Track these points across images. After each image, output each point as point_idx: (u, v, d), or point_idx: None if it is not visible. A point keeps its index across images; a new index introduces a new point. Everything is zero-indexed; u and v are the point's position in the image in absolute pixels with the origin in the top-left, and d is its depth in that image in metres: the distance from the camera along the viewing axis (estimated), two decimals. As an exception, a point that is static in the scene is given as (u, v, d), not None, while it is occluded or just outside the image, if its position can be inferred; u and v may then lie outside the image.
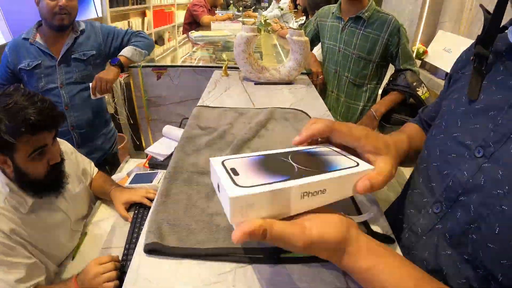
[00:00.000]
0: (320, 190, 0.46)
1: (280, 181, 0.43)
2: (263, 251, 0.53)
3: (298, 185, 0.43)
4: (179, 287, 0.48)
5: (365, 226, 0.60)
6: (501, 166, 0.48)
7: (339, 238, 0.44)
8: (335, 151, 0.56)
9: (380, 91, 2.08)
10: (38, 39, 1.80)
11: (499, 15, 0.57)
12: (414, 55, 3.40)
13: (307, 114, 1.03)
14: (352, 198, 0.67)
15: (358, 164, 0.51)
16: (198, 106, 1.04)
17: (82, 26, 1.90)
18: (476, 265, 0.49)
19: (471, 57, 0.62)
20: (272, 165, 0.48)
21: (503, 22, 0.58)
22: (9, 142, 1.09)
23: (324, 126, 0.55)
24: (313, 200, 0.46)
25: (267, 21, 1.31)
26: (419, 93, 1.84)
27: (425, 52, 3.37)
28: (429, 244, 0.57)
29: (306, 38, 1.33)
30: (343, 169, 0.48)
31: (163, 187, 0.66)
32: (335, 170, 0.47)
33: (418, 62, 3.38)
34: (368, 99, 2.02)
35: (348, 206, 0.64)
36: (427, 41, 3.51)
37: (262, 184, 0.42)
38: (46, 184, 1.23)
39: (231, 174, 0.44)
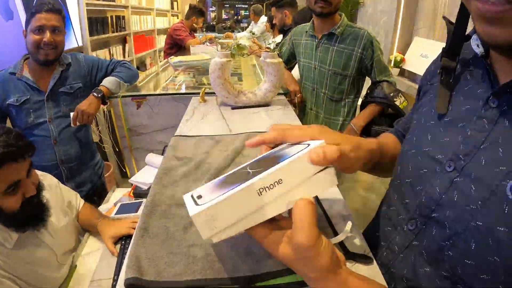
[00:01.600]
0: (276, 181, 0.46)
1: (234, 188, 0.45)
2: (237, 281, 0.54)
3: (250, 183, 0.45)
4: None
5: (342, 247, 0.60)
6: (473, 180, 0.48)
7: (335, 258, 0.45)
8: (292, 144, 0.54)
9: (359, 104, 2.12)
10: (25, 73, 1.79)
11: (462, 25, 0.57)
12: (392, 63, 3.49)
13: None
14: (327, 217, 0.68)
15: (309, 145, 0.49)
16: (175, 136, 1.06)
17: (68, 59, 1.91)
18: (456, 281, 0.49)
19: (438, 70, 0.62)
20: (231, 179, 0.50)
21: (468, 30, 0.58)
22: None
23: (276, 134, 0.54)
24: (275, 194, 0.46)
25: (240, 45, 1.34)
26: (397, 103, 1.87)
27: (402, 60, 3.45)
28: (407, 261, 0.57)
29: (279, 60, 1.36)
30: (293, 154, 0.48)
31: (141, 222, 0.67)
32: (286, 159, 0.47)
33: (397, 70, 3.46)
34: (347, 113, 2.05)
35: (324, 227, 0.65)
36: (404, 49, 3.59)
37: (218, 196, 0.45)
38: (24, 217, 1.21)
39: (196, 199, 0.48)
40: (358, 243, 0.62)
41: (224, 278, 0.55)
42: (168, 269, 0.56)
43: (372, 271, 0.57)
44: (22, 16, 2.59)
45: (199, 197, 0.49)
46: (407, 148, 0.64)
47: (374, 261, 0.58)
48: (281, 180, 0.46)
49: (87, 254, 1.51)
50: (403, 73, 3.51)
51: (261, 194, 0.46)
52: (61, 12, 1.78)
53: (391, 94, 1.88)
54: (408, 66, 3.40)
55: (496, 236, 0.43)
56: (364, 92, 2.09)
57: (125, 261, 0.58)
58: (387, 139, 0.80)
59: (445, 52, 0.60)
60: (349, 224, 0.60)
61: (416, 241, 0.56)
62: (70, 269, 1.44)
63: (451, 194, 0.51)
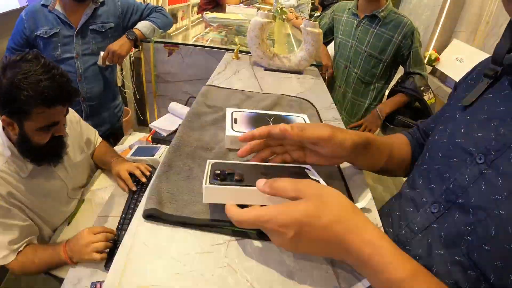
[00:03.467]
0: None
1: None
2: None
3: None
4: (174, 252, 0.50)
5: None
6: (501, 174, 0.51)
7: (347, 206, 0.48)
8: None
9: (387, 92, 2.09)
10: (57, 6, 1.77)
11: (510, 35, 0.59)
12: (426, 61, 3.40)
13: (312, 104, 1.04)
14: (346, 186, 0.68)
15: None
16: (207, 85, 1.05)
17: None
18: (468, 266, 0.51)
19: (483, 71, 0.65)
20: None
21: None
22: (24, 109, 1.10)
23: (278, 131, 0.61)
24: None
25: (283, 9, 1.31)
26: (426, 97, 1.84)
27: (437, 59, 3.36)
28: (424, 242, 0.59)
29: (320, 30, 1.33)
30: None
31: (166, 158, 0.67)
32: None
33: (429, 68, 3.38)
34: (375, 97, 2.03)
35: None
36: (440, 49, 3.49)
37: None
38: (44, 153, 1.24)
39: (233, 122, 0.75)
40: (371, 216, 0.63)
41: None
42: (188, 206, 0.57)
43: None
44: None
45: (235, 120, 0.76)
46: (438, 137, 0.67)
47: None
48: None
49: (97, 190, 1.54)
50: (434, 72, 3.42)
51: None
52: None
53: (422, 88, 1.86)
54: (441, 67, 3.31)
55: None
56: (394, 80, 2.05)
57: (146, 193, 0.58)
58: (399, 138, 0.85)
59: (491, 62, 0.63)
60: (368, 196, 0.61)
61: (436, 224, 0.58)
62: (78, 203, 1.47)
63: (479, 183, 0.53)
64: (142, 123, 2.68)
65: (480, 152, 0.56)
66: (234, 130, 0.74)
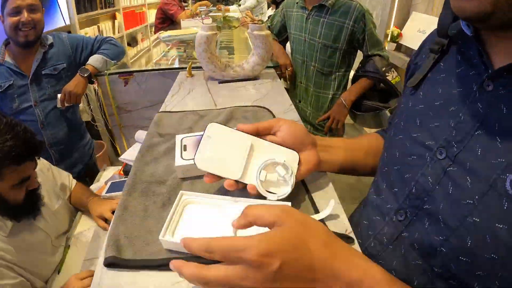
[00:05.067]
0: None
1: None
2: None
3: None
4: (138, 297, 0.49)
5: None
6: (468, 171, 0.45)
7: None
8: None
9: (350, 78, 2.08)
10: (7, 58, 1.75)
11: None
12: (389, 38, 3.42)
13: (269, 110, 1.03)
14: (309, 195, 0.67)
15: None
16: (159, 112, 1.04)
17: (50, 39, 1.86)
18: (448, 277, 0.47)
19: (429, 48, 0.60)
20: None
21: None
22: None
23: (269, 124, 0.65)
24: None
25: (227, 17, 1.30)
26: (389, 77, 1.84)
27: (399, 35, 3.38)
28: (397, 253, 0.55)
29: (267, 32, 1.33)
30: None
31: (121, 200, 0.66)
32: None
33: (393, 45, 3.41)
34: (338, 87, 2.02)
35: (305, 205, 0.65)
36: (401, 24, 3.51)
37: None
38: (22, 209, 1.24)
39: (182, 149, 0.75)
40: (339, 223, 0.60)
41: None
42: (145, 248, 0.56)
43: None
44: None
45: (185, 147, 0.75)
46: (394, 133, 0.62)
47: (356, 241, 0.56)
48: None
49: (80, 233, 1.52)
50: (399, 48, 3.45)
51: None
52: None
53: (383, 69, 1.85)
54: (405, 41, 3.33)
55: (494, 234, 0.41)
56: (356, 66, 2.05)
57: (105, 240, 0.58)
58: (373, 139, 0.79)
59: (437, 30, 0.58)
60: (331, 203, 0.59)
61: (406, 232, 0.54)
62: (64, 250, 1.45)
63: (446, 186, 0.48)
64: (118, 154, 2.65)
65: (440, 146, 0.50)
66: (183, 159, 0.72)
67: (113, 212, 1.44)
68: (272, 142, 0.63)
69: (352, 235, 0.57)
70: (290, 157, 0.63)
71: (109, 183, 1.61)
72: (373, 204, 0.64)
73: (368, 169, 0.75)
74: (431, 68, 0.58)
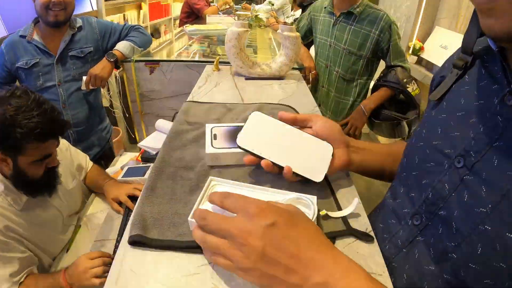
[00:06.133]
0: None
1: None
2: None
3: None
4: (161, 277, 0.49)
5: (344, 222, 0.60)
6: (484, 181, 0.46)
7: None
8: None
9: (370, 87, 2.09)
10: (35, 36, 1.78)
11: (477, 22, 0.53)
12: (410, 51, 3.41)
13: (295, 110, 1.04)
14: (332, 193, 0.68)
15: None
16: (187, 101, 1.05)
17: (79, 22, 1.89)
18: (456, 285, 0.48)
19: (452, 63, 0.60)
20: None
21: None
22: (18, 146, 1.12)
23: (307, 116, 0.71)
24: None
25: (258, 16, 1.31)
26: (409, 89, 1.85)
27: (421, 49, 3.36)
28: (410, 257, 0.56)
29: (297, 33, 1.34)
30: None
31: (149, 182, 0.67)
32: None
33: (414, 58, 3.39)
34: (358, 94, 2.04)
35: (329, 203, 0.65)
36: (423, 37, 3.50)
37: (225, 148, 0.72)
38: (40, 185, 1.25)
39: (212, 138, 0.76)
40: (360, 221, 0.62)
41: None
42: (171, 229, 0.57)
43: (372, 249, 0.56)
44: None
45: (215, 136, 0.76)
46: (415, 140, 0.63)
47: (375, 239, 0.58)
48: None
49: (92, 214, 1.54)
50: (420, 61, 3.43)
51: None
52: None
53: (404, 80, 1.86)
54: (426, 55, 3.31)
55: (504, 242, 0.42)
56: (377, 75, 2.06)
57: (130, 219, 0.58)
58: (401, 147, 0.79)
59: (460, 51, 0.59)
60: (355, 201, 0.60)
61: (421, 237, 0.55)
62: (74, 229, 1.47)
63: (461, 193, 0.49)
64: (134, 141, 2.67)
65: (458, 155, 0.50)
66: (214, 147, 0.73)
67: (129, 196, 1.46)
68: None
69: (372, 234, 0.58)
70: (325, 150, 0.66)
71: (125, 168, 1.62)
72: (389, 207, 0.65)
73: (395, 175, 0.76)
74: (454, 81, 0.58)
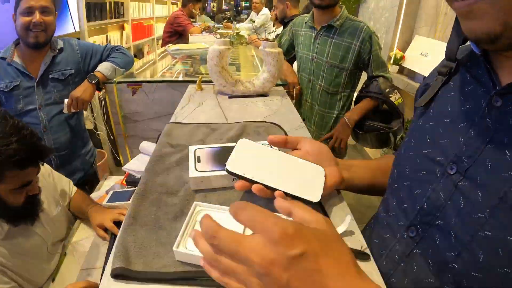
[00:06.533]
0: None
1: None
2: None
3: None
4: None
5: None
6: (479, 186, 0.46)
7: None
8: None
9: (354, 99, 2.10)
10: (16, 58, 1.74)
11: (459, 26, 0.54)
12: (392, 61, 3.46)
13: (280, 127, 1.03)
14: (324, 212, 0.66)
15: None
16: (170, 123, 1.03)
17: (60, 44, 1.86)
18: None
19: (437, 71, 0.61)
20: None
21: None
22: None
23: (295, 140, 0.70)
24: None
25: (240, 33, 1.31)
26: (392, 99, 1.86)
27: (402, 58, 3.43)
28: (409, 271, 0.55)
29: (279, 49, 1.34)
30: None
31: (131, 209, 0.65)
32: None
33: (396, 68, 3.44)
34: (342, 107, 2.04)
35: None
36: (404, 47, 3.57)
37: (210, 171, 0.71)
38: (20, 213, 1.21)
39: (196, 160, 0.75)
40: (354, 239, 0.60)
41: None
42: (156, 260, 0.54)
43: (369, 268, 0.55)
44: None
45: (199, 159, 0.75)
46: (404, 150, 0.63)
47: (372, 257, 0.56)
48: None
49: (78, 242, 1.49)
50: (402, 70, 3.49)
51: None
52: None
53: (387, 90, 1.87)
54: (407, 64, 3.38)
55: (507, 246, 0.41)
56: (359, 87, 2.07)
57: (113, 250, 0.56)
58: (390, 160, 0.79)
59: (446, 54, 0.59)
60: (347, 218, 0.59)
61: (418, 249, 0.54)
62: (60, 257, 1.43)
63: (457, 200, 0.48)
64: (119, 164, 2.63)
65: (450, 161, 0.50)
66: (197, 170, 0.71)
67: (114, 222, 1.42)
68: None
69: (368, 251, 0.57)
70: (317, 171, 0.64)
71: (110, 192, 1.58)
72: (383, 222, 0.64)
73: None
74: (439, 88, 0.59)
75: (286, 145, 0.69)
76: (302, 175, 0.63)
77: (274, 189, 0.60)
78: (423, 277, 0.52)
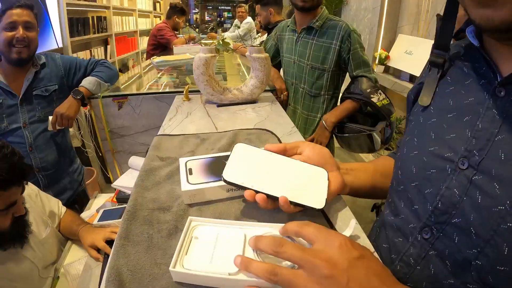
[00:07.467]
0: None
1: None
2: None
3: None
4: None
5: None
6: (495, 178, 0.45)
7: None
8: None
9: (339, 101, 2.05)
10: None
11: (450, 20, 0.55)
12: (377, 60, 3.47)
13: (272, 133, 1.00)
14: (327, 219, 0.64)
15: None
16: (158, 135, 1.00)
17: (43, 59, 1.82)
18: None
19: (427, 67, 0.61)
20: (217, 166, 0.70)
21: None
22: None
23: (294, 145, 0.68)
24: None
25: (225, 40, 1.29)
26: (374, 100, 1.79)
27: (387, 57, 3.45)
28: (425, 273, 0.53)
29: (266, 55, 1.32)
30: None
31: (122, 229, 0.61)
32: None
33: (382, 68, 3.46)
34: (326, 110, 1.98)
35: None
36: (388, 46, 3.60)
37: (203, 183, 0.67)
38: (8, 236, 1.17)
39: (188, 172, 0.71)
40: (361, 243, 0.57)
41: None
42: (152, 283, 0.51)
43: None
44: None
45: (190, 171, 0.71)
46: (407, 151, 0.61)
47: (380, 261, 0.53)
48: None
49: (70, 264, 1.44)
50: (388, 70, 3.52)
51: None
52: (32, 8, 1.70)
53: (368, 90, 1.79)
54: (392, 63, 3.41)
55: None
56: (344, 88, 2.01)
57: (105, 274, 0.52)
58: (386, 161, 0.79)
59: (434, 48, 0.59)
60: (352, 223, 0.56)
61: (433, 251, 0.52)
62: (52, 281, 1.37)
63: (473, 195, 0.47)
64: (109, 181, 2.57)
65: (461, 156, 0.49)
66: (190, 183, 0.68)
67: (106, 242, 1.37)
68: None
69: (376, 254, 0.55)
70: (319, 175, 0.62)
71: (101, 211, 1.54)
72: (392, 226, 0.62)
73: (386, 191, 0.73)
74: (438, 82, 0.59)
75: (286, 153, 0.67)
76: (304, 180, 0.61)
77: (275, 198, 0.57)
78: (441, 279, 0.51)
